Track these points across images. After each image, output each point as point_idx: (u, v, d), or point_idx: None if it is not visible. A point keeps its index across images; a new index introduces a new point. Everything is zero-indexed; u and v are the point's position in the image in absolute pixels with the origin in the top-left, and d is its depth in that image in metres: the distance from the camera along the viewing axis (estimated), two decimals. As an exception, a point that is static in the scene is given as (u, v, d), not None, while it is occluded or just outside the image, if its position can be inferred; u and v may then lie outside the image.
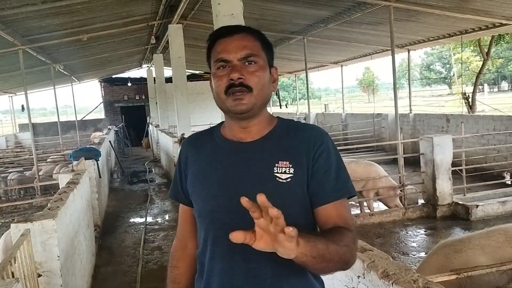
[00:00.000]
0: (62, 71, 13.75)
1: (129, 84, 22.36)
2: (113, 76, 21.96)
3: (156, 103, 17.46)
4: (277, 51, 13.00)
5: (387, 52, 12.14)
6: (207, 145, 1.36)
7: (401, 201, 6.77)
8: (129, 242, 6.37)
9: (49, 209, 3.32)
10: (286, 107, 23.63)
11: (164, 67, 16.31)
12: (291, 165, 1.23)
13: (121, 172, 13.23)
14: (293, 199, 1.23)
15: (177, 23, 9.84)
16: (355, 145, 11.95)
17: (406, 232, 6.09)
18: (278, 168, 1.23)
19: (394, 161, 9.98)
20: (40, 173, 9.47)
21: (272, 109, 23.41)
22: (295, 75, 19.67)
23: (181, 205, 1.44)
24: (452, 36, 10.05)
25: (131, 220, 7.71)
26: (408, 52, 12.20)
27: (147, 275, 4.98)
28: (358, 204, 7.14)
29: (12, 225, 2.95)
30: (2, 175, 10.30)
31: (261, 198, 0.94)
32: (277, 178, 1.22)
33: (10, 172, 10.43)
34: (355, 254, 1.21)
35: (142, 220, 7.56)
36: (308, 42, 10.97)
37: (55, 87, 13.97)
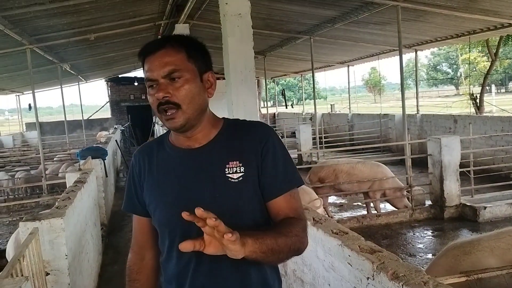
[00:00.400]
0: (69, 70, 13.81)
1: (136, 84, 22.42)
2: (120, 76, 22.01)
3: (162, 102, 17.37)
4: (283, 51, 13.00)
5: (394, 52, 12.11)
6: (158, 154, 1.37)
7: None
8: (136, 241, 6.36)
9: (57, 208, 3.32)
10: (292, 107, 23.62)
11: (171, 67, 16.30)
12: (241, 164, 1.27)
13: (127, 172, 13.25)
14: (247, 196, 1.27)
15: (183, 22, 9.84)
16: (362, 145, 11.91)
17: (413, 234, 6.05)
18: (229, 168, 1.27)
19: (401, 162, 9.94)
20: (47, 172, 9.51)
21: (278, 109, 23.42)
22: (301, 75, 19.63)
23: (136, 217, 1.45)
24: (460, 36, 9.97)
25: (137, 219, 7.71)
26: (416, 52, 12.14)
27: (154, 274, 4.98)
28: (365, 205, 7.11)
29: (21, 223, 2.96)
30: (9, 173, 10.35)
31: (198, 211, 1.00)
32: (229, 179, 1.26)
33: (17, 171, 10.48)
34: (305, 241, 1.27)
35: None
36: (315, 42, 10.92)
37: (62, 86, 14.03)
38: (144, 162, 1.38)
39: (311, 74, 12.63)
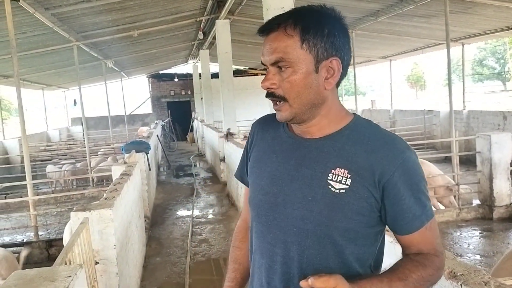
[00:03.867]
0: (113, 67, 14.19)
1: (176, 80, 22.79)
2: (160, 72, 22.45)
3: (201, 98, 17.69)
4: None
5: (439, 46, 11.69)
6: (272, 131, 1.26)
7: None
8: (177, 234, 6.48)
9: (105, 199, 3.40)
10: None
11: (210, 63, 16.48)
12: (349, 175, 1.08)
13: (167, 166, 13.51)
14: (345, 213, 1.08)
15: (224, 18, 9.90)
16: (404, 142, 11.58)
17: (460, 234, 5.83)
18: (334, 175, 1.09)
19: (446, 160, 9.62)
20: (91, 165, 9.82)
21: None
22: (341, 70, 19.30)
23: (246, 188, 1.39)
24: (511, 29, 9.51)
25: (178, 212, 7.85)
26: (463, 46, 11.68)
27: (195, 267, 5.04)
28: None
29: (72, 213, 3.05)
30: (57, 166, 10.76)
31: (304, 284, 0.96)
32: (330, 186, 1.09)
33: (63, 164, 10.89)
34: (437, 278, 1.13)
35: (189, 213, 7.67)
36: (356, 36, 10.71)
37: (106, 82, 14.45)
38: (258, 133, 1.30)
39: (351, 69, 12.39)
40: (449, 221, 6.20)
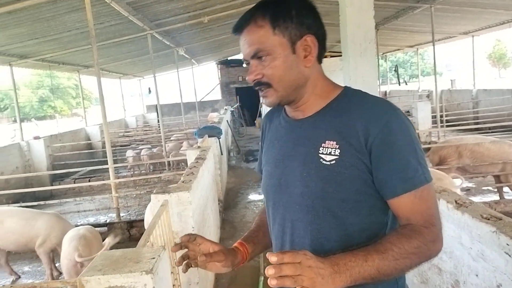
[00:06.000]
0: (184, 54, 14.51)
1: (244, 65, 22.77)
2: (229, 58, 22.66)
3: (270, 83, 17.51)
4: (398, 23, 12.15)
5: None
6: (276, 121, 1.33)
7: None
8: (250, 217, 6.49)
9: (183, 182, 3.43)
10: (406, 84, 22.20)
11: (280, 47, 16.29)
12: (337, 146, 1.11)
13: (237, 151, 13.67)
14: (338, 183, 1.10)
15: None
16: (488, 124, 10.74)
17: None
18: (324, 148, 1.13)
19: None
20: (166, 149, 10.16)
21: (389, 87, 22.23)
22: (417, 48, 18.28)
23: None
24: None
25: (250, 196, 7.88)
26: (558, 16, 10.50)
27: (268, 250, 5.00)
28: (496, 190, 6.38)
29: (152, 196, 3.10)
30: (135, 151, 11.27)
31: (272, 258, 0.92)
32: (321, 160, 1.12)
33: (141, 149, 11.38)
34: (432, 252, 1.07)
35: (260, 197, 7.67)
36: (436, 11, 9.99)
37: (178, 69, 14.83)
38: (266, 125, 1.39)
39: (428, 48, 11.63)
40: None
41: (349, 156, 1.09)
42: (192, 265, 1.25)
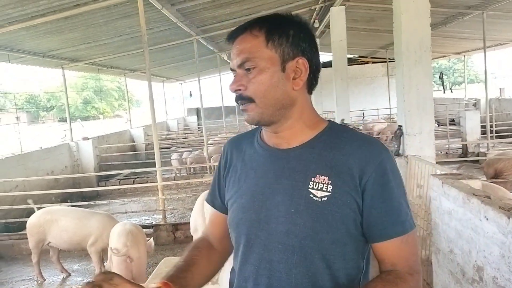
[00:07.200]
0: (226, 59, 14.68)
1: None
2: (269, 63, 22.72)
3: (309, 88, 17.40)
4: (446, 29, 11.82)
5: None
6: (246, 149, 1.20)
7: None
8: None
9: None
10: (451, 91, 21.52)
11: (320, 53, 16.21)
12: (329, 182, 1.03)
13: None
14: (329, 223, 1.02)
15: (340, 5, 9.60)
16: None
17: None
18: (314, 183, 1.04)
19: None
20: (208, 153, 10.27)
21: (434, 94, 21.59)
22: (464, 55, 17.73)
23: (213, 210, 1.30)
24: None
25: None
26: None
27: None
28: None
29: (203, 193, 3.12)
30: (175, 153, 11.46)
31: None
32: (311, 195, 1.03)
33: (183, 152, 11.55)
34: None
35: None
36: (487, 17, 9.65)
37: (220, 74, 15.01)
38: (232, 154, 1.23)
39: (473, 55, 11.23)
40: None
41: (342, 193, 1.03)
42: None
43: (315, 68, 1.11)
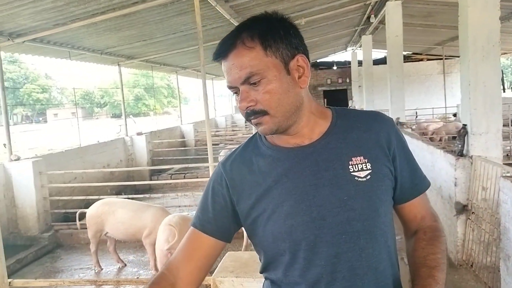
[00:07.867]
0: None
1: (334, 68, 22.60)
2: (318, 61, 22.49)
3: (359, 86, 17.13)
4: (509, 24, 11.18)
5: None
6: (258, 160, 1.13)
7: None
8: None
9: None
10: (512, 90, 20.39)
11: (372, 49, 15.83)
12: (366, 160, 1.07)
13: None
14: (377, 197, 1.07)
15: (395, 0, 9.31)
16: None
17: None
18: (354, 166, 1.06)
19: None
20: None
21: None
22: (527, 52, 16.72)
23: (197, 233, 1.16)
24: None
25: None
26: None
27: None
28: None
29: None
30: (224, 150, 11.55)
31: None
32: (356, 178, 1.05)
33: (230, 149, 11.64)
34: (445, 239, 1.17)
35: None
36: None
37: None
38: (234, 173, 1.14)
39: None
40: None
41: (380, 167, 1.08)
42: None
43: (308, 59, 1.10)
